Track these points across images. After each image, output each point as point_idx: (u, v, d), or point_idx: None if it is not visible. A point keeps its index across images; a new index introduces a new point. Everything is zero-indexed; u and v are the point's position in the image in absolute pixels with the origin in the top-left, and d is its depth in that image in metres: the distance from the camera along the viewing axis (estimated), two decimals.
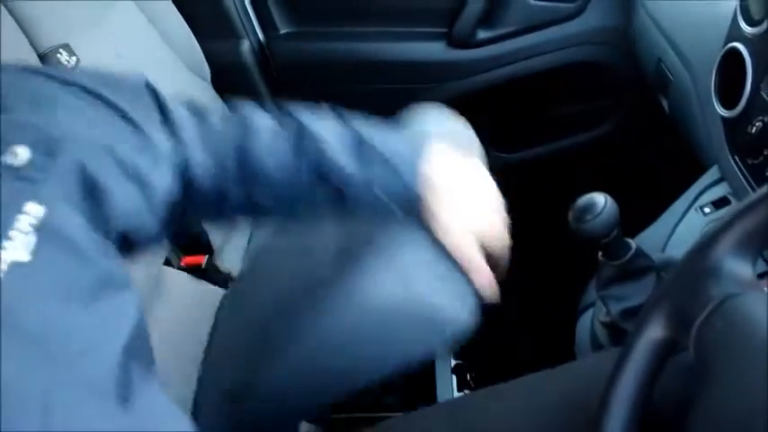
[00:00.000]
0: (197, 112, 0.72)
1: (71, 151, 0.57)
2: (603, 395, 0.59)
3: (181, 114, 0.70)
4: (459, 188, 0.74)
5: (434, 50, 1.70)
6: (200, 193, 0.70)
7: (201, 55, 1.56)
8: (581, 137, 1.81)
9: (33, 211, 0.51)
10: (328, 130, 0.72)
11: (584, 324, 1.07)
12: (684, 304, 0.56)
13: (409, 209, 0.73)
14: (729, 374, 0.50)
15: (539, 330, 1.52)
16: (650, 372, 0.59)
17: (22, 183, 0.52)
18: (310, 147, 0.71)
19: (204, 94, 1.51)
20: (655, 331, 0.59)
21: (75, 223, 0.55)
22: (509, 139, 1.83)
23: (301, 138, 0.71)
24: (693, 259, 0.58)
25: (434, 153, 0.73)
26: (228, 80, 1.64)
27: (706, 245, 0.57)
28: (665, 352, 0.59)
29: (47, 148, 0.55)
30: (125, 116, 0.64)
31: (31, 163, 0.53)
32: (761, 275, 0.89)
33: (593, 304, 1.06)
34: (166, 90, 0.72)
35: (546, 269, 1.65)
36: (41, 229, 0.50)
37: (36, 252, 0.49)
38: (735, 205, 0.53)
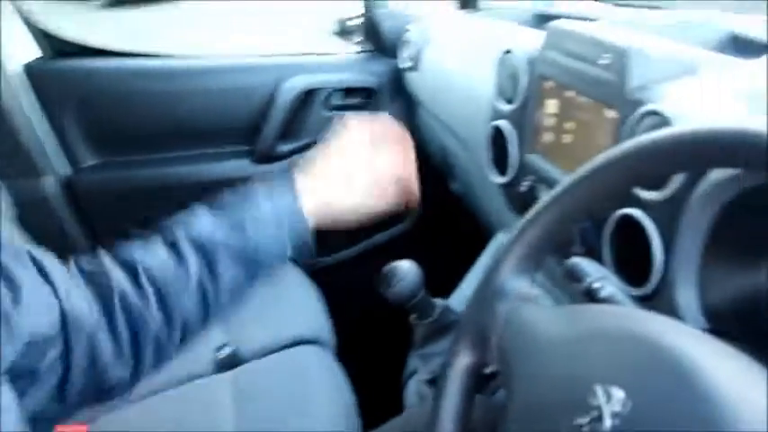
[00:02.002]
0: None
1: None
2: (429, 421, 0.66)
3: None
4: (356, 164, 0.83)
5: (240, 167, 1.78)
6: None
7: None
8: (387, 233, 1.92)
9: None
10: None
11: (411, 389, 1.12)
12: (482, 326, 0.64)
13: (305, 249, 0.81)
14: (520, 374, 0.58)
15: (369, 407, 1.54)
16: (466, 396, 0.66)
17: None
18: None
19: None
20: (463, 358, 0.66)
21: None
22: (325, 242, 1.89)
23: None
24: (483, 286, 0.66)
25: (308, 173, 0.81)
26: (35, 217, 1.62)
27: (492, 272, 0.66)
28: (476, 374, 0.66)
29: None
30: None
31: None
32: None
33: (416, 371, 1.13)
34: None
35: (371, 353, 1.70)
36: None
37: None
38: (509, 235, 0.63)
